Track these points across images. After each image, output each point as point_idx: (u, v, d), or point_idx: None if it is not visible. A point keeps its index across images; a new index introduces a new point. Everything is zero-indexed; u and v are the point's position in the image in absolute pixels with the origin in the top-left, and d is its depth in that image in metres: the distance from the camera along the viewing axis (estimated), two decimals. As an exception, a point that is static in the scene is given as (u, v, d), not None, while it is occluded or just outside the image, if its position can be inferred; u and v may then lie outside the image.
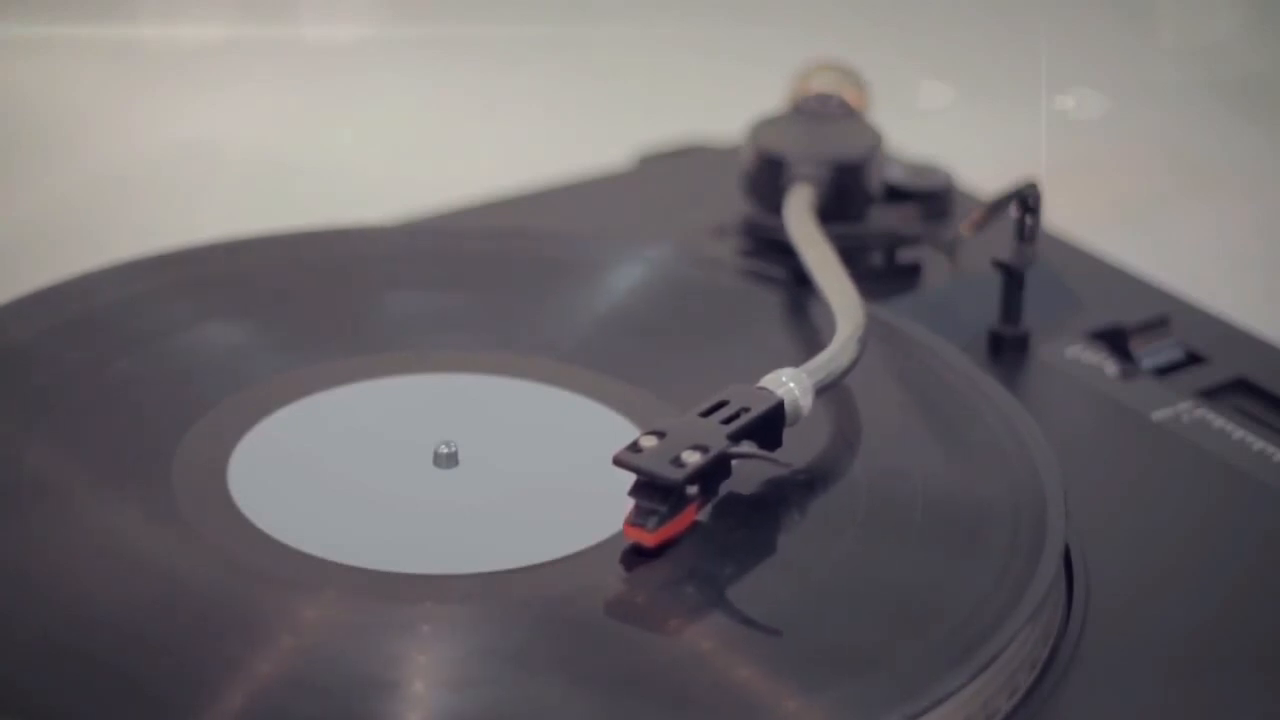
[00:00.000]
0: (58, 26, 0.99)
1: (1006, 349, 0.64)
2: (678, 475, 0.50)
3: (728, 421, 0.52)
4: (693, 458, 0.51)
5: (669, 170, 0.76)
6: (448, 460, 0.55)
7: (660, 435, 0.51)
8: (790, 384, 0.54)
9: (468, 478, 0.55)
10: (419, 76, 1.00)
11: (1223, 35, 1.03)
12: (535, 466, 0.55)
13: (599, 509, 0.53)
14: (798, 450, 0.55)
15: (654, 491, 0.51)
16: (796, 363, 0.55)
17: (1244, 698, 0.50)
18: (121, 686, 0.47)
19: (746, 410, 0.53)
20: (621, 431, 0.56)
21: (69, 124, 0.96)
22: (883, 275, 0.67)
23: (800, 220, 0.64)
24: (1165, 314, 0.65)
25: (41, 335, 0.59)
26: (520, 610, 0.50)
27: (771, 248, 0.66)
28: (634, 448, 0.51)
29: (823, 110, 0.68)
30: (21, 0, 1.01)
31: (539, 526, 0.53)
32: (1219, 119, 0.98)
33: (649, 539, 0.50)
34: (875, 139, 0.68)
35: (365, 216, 0.69)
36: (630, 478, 0.51)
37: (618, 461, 0.51)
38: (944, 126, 0.91)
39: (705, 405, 0.53)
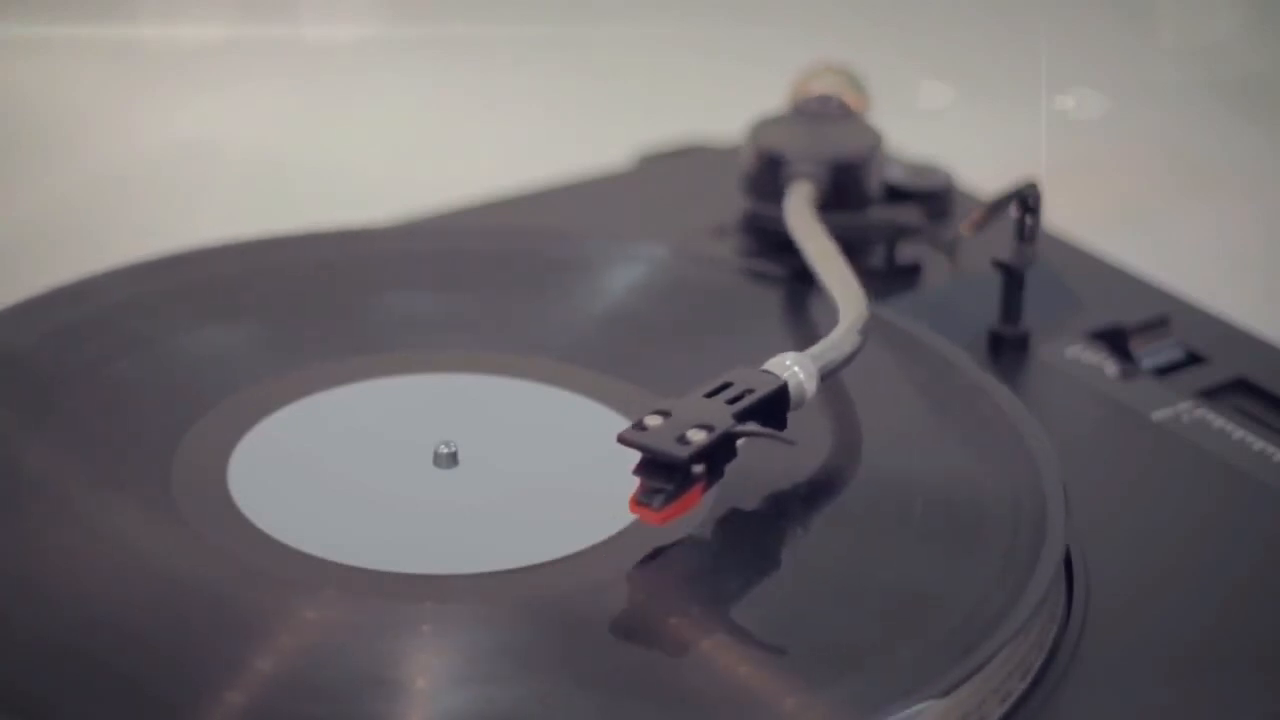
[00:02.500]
0: (58, 26, 0.99)
1: (1006, 349, 0.64)
2: (683, 453, 0.50)
3: (732, 402, 0.52)
4: (698, 436, 0.51)
5: (669, 170, 0.76)
6: (448, 460, 0.55)
7: (665, 414, 0.51)
8: (794, 367, 0.54)
9: (468, 478, 0.55)
10: (419, 76, 1.00)
11: (1223, 35, 1.03)
12: (535, 466, 0.55)
13: (599, 509, 0.53)
14: (799, 447, 0.55)
15: (659, 470, 0.50)
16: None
17: (1244, 698, 0.50)
18: (121, 686, 0.47)
19: (751, 391, 0.52)
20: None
21: (69, 124, 0.96)
22: (883, 275, 0.67)
23: (800, 214, 0.64)
24: (1165, 314, 0.65)
25: (43, 337, 0.59)
26: (520, 610, 0.50)
27: (772, 246, 0.66)
28: (639, 426, 0.51)
29: (823, 111, 0.68)
30: (21, 0, 1.01)
31: (539, 526, 0.53)
32: (1219, 119, 0.98)
33: (654, 518, 0.50)
34: (875, 139, 0.68)
35: (365, 216, 0.69)
36: (633, 457, 0.51)
37: (623, 439, 0.50)
38: (944, 126, 0.91)
39: (709, 386, 0.52)
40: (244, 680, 0.47)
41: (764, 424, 0.52)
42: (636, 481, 0.51)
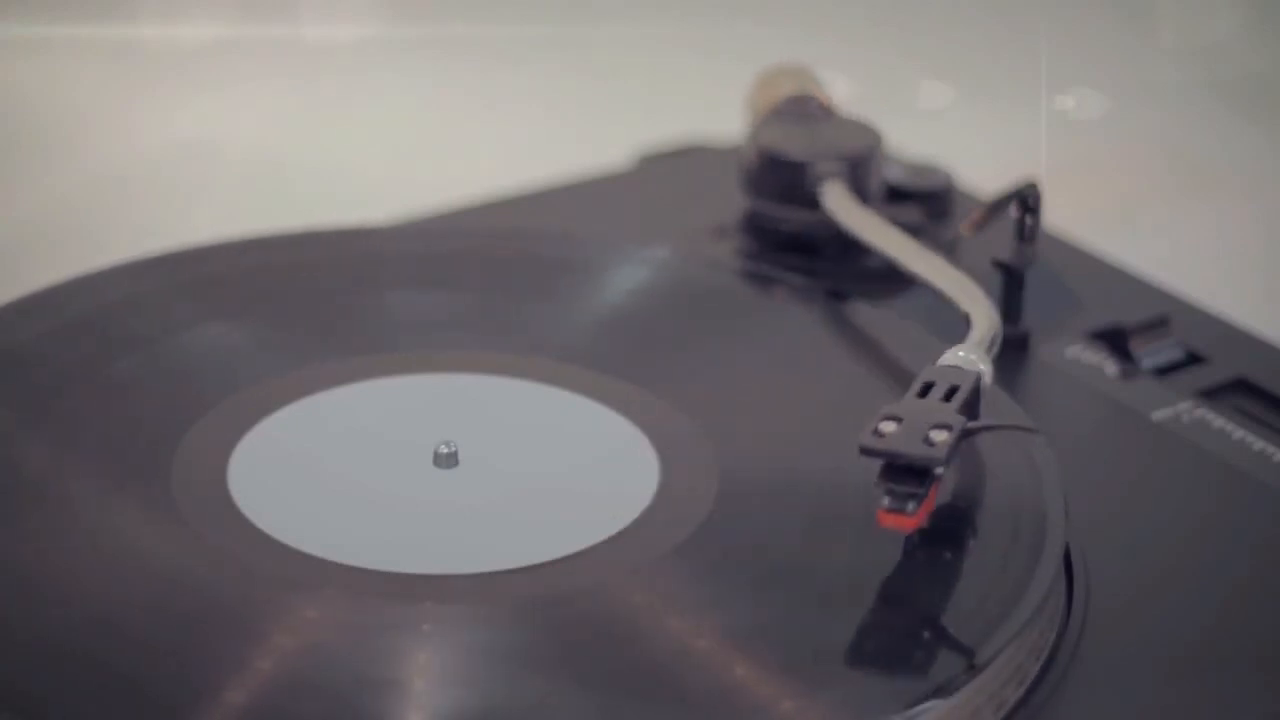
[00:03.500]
0: (58, 26, 0.99)
1: (1006, 349, 0.64)
2: (939, 454, 0.50)
3: (947, 399, 0.52)
4: (941, 436, 0.50)
5: (669, 170, 0.76)
6: (448, 460, 0.55)
7: (896, 419, 0.51)
8: (973, 358, 0.54)
9: (468, 478, 0.55)
10: (419, 76, 1.00)
11: (1223, 35, 1.03)
12: (535, 466, 0.55)
13: (599, 509, 0.53)
14: (800, 448, 0.55)
15: (906, 474, 0.50)
16: (800, 361, 0.55)
17: (1244, 698, 0.50)
18: (121, 686, 0.47)
19: (957, 388, 0.52)
20: (621, 431, 0.56)
21: (69, 124, 0.96)
22: (883, 275, 0.67)
23: (858, 212, 0.64)
24: (1165, 314, 0.65)
25: (41, 336, 0.59)
26: (520, 610, 0.50)
27: (771, 246, 0.66)
28: (875, 433, 0.50)
29: (805, 112, 0.69)
30: (21, 0, 1.01)
31: (539, 526, 0.53)
32: (1219, 119, 0.98)
33: (911, 523, 0.50)
34: (875, 138, 0.68)
35: (365, 216, 0.69)
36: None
37: (869, 449, 0.50)
38: (944, 126, 0.91)
39: (917, 387, 0.52)
40: (244, 680, 0.47)
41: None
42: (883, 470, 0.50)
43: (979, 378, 0.53)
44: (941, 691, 0.47)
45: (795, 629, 0.49)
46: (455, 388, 0.59)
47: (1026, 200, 0.63)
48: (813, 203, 0.66)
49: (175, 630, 0.48)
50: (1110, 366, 0.63)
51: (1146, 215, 0.91)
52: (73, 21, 1.00)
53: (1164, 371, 0.63)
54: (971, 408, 0.53)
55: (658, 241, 0.66)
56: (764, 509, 0.53)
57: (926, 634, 0.49)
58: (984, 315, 0.57)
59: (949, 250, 0.66)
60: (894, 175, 0.70)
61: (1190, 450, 0.59)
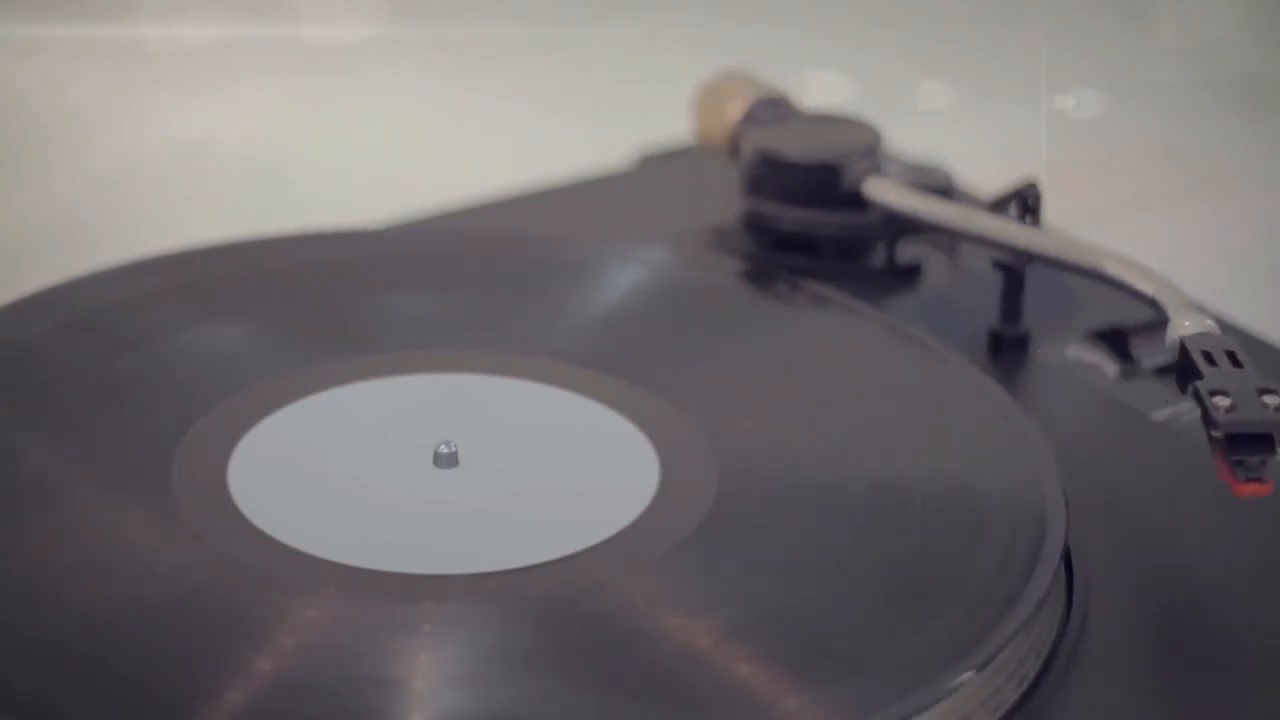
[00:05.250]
0: (58, 26, 0.99)
1: (1006, 349, 0.64)
2: None
3: (1236, 365, 0.52)
4: (1276, 400, 0.51)
5: (669, 170, 0.76)
6: (448, 460, 0.55)
7: (1223, 393, 0.51)
8: (1203, 321, 0.54)
9: (468, 478, 0.55)
10: (419, 76, 1.00)
11: (1222, 35, 1.03)
12: (535, 466, 0.55)
13: (599, 509, 0.53)
14: (799, 448, 0.55)
15: (1247, 444, 0.51)
16: (800, 360, 0.55)
17: (1244, 698, 0.50)
18: (121, 686, 0.47)
19: (1233, 352, 0.53)
20: (621, 431, 0.56)
21: (69, 124, 0.96)
22: (883, 275, 0.67)
23: (926, 200, 0.64)
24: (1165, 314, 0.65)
25: (41, 336, 0.59)
26: (520, 610, 0.50)
27: (771, 246, 0.66)
28: (1215, 410, 0.51)
29: (780, 115, 0.69)
30: (21, 0, 1.01)
31: (539, 526, 0.53)
32: (1219, 119, 0.98)
33: (1268, 488, 0.50)
34: (875, 137, 0.68)
35: (365, 216, 0.69)
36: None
37: (1224, 424, 0.51)
38: (944, 126, 0.91)
39: (1197, 360, 0.53)
40: (244, 680, 0.47)
41: None
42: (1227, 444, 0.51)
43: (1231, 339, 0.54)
44: (941, 691, 0.47)
45: (795, 628, 0.49)
46: (455, 388, 0.59)
47: (1027, 200, 0.63)
48: (842, 203, 0.66)
49: (175, 630, 0.48)
50: (1110, 366, 0.63)
51: (1146, 215, 0.91)
52: (72, 21, 1.00)
53: (1164, 371, 0.63)
54: None
55: (657, 241, 0.66)
56: (764, 509, 0.53)
57: (926, 633, 0.49)
58: (1160, 282, 0.57)
59: (949, 250, 0.67)
60: (894, 175, 0.70)
61: (1190, 450, 0.59)
